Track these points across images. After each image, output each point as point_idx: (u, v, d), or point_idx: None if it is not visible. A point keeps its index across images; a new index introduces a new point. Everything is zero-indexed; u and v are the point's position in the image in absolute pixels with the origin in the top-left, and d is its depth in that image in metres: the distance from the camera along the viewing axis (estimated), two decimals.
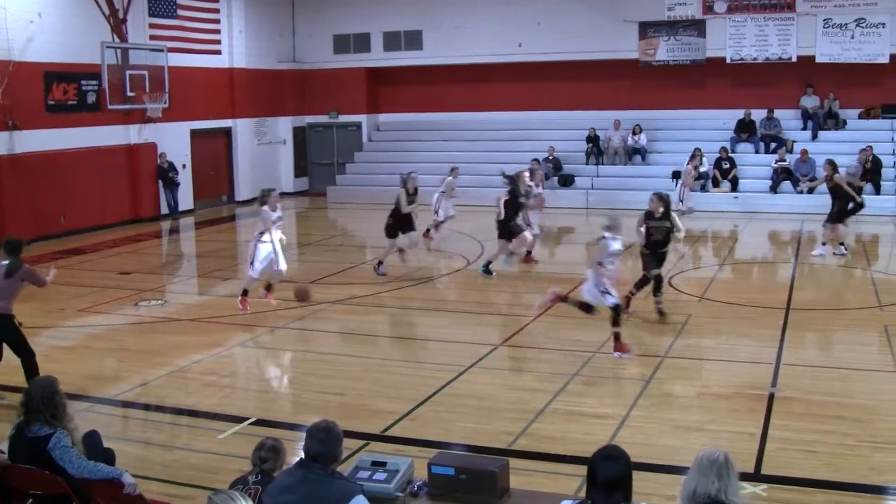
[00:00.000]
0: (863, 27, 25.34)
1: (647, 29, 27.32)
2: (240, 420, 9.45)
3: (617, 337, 11.62)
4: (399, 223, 16.99)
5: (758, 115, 27.00)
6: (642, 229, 13.37)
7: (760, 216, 24.24)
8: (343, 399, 10.22)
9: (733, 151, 26.49)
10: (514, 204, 16.67)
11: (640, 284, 13.61)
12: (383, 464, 5.92)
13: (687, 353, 11.94)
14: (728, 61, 26.59)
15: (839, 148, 23.86)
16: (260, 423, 9.37)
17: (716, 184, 25.86)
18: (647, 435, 8.89)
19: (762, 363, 11.21)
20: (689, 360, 11.72)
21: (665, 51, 27.31)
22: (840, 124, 26.72)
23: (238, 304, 14.35)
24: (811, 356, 11.95)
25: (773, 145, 26.34)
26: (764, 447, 8.49)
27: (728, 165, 25.87)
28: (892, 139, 25.86)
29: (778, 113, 26.94)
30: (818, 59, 25.82)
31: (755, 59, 26.37)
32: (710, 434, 8.80)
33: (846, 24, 25.53)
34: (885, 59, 25.25)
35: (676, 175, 24.87)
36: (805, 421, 9.22)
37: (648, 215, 13.34)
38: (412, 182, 17.07)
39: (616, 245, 11.74)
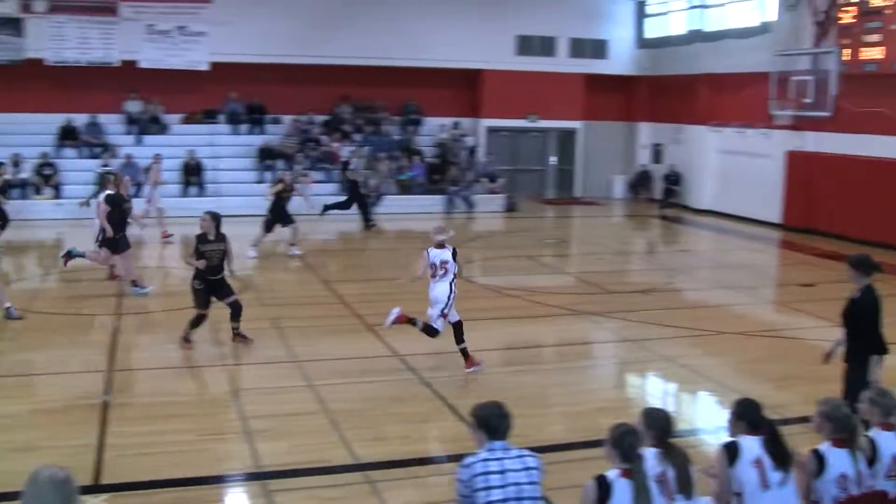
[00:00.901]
0: (185, 34, 26.16)
1: None
2: None
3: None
4: None
5: (82, 119, 26.45)
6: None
7: (85, 223, 23.70)
8: None
9: (56, 157, 25.57)
10: None
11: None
12: None
13: (16, 369, 11.22)
14: (49, 63, 25.58)
15: (164, 152, 24.23)
16: None
17: (38, 191, 24.66)
18: None
19: (95, 371, 10.95)
20: (18, 377, 11.01)
21: None
22: (164, 129, 27.29)
23: None
24: (144, 358, 11.98)
25: (97, 150, 25.94)
26: (102, 456, 8.28)
27: (50, 171, 24.86)
28: (212, 143, 27.06)
29: (102, 117, 26.70)
30: (142, 64, 26.03)
31: (77, 61, 25.75)
32: (46, 452, 8.30)
33: (168, 31, 26.14)
34: (205, 67, 26.33)
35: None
36: (143, 424, 9.22)
37: (201, 238, 11.97)
38: None
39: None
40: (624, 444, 5.44)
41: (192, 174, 25.55)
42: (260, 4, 26.63)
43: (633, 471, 5.36)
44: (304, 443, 8.83)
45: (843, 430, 5.97)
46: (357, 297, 15.58)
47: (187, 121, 27.88)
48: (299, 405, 9.95)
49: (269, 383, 10.76)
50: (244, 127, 28.03)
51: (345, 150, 26.94)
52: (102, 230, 15.10)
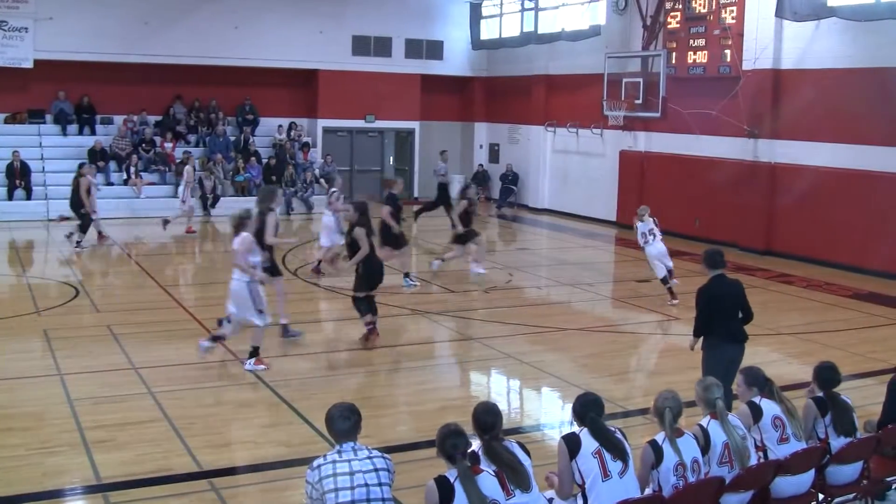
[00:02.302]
0: (6, 30, 24.97)
1: None
2: None
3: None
4: None
5: None
6: None
7: None
8: None
9: None
10: None
11: None
12: None
13: None
14: None
15: None
16: None
17: None
18: None
19: None
20: None
21: None
22: None
23: None
24: None
25: None
26: None
27: None
28: (40, 144, 26.00)
29: None
30: None
31: None
32: None
33: None
34: (29, 64, 25.23)
35: None
36: None
37: None
38: None
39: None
40: (446, 446, 5.51)
41: (18, 176, 24.43)
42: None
43: (459, 472, 5.42)
44: (146, 452, 8.57)
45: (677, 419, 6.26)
46: (196, 300, 15.25)
47: (11, 121, 26.61)
48: (140, 413, 9.66)
49: (108, 392, 10.39)
50: (73, 127, 26.98)
51: (178, 151, 26.38)
52: None
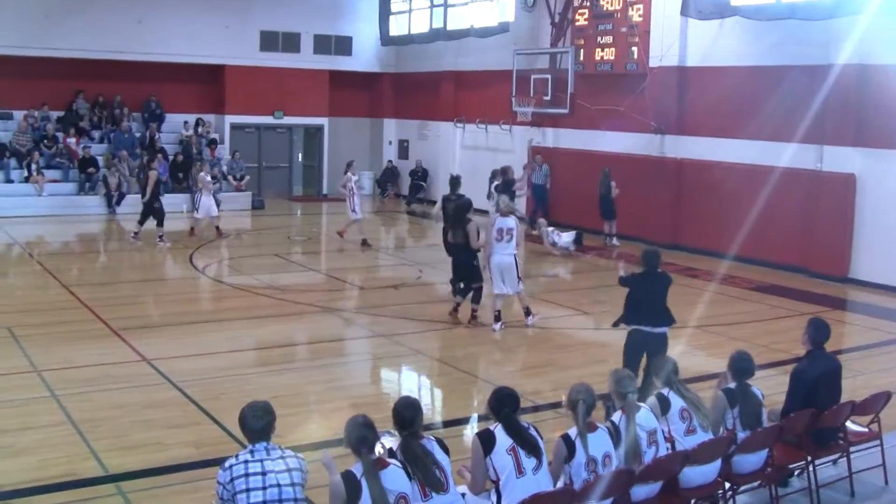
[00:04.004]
0: None
1: None
2: None
3: None
4: None
5: None
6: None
7: None
8: None
9: None
10: None
11: None
12: None
13: None
14: None
15: None
16: None
17: None
18: None
19: None
20: None
21: None
22: None
23: None
24: None
25: None
26: None
27: None
28: None
29: None
30: None
31: None
32: None
33: None
34: None
35: None
36: None
37: None
38: None
39: None
40: (352, 438, 5.50)
41: None
42: None
43: (364, 466, 5.41)
44: (49, 457, 8.34)
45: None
46: (100, 300, 14.90)
47: None
48: (42, 417, 9.40)
49: (8, 395, 10.08)
50: None
51: (80, 147, 25.76)
52: None
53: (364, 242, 21.02)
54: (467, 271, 13.90)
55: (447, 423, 9.81)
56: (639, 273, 9.89)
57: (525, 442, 5.96)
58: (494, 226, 13.44)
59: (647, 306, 9.54)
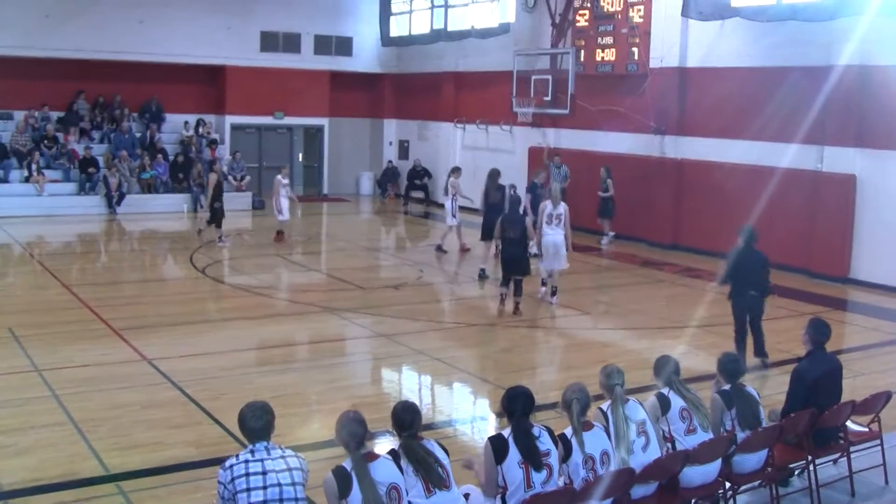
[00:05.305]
0: None
1: None
2: None
3: None
4: None
5: None
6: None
7: None
8: None
9: None
10: None
11: None
12: None
13: None
14: None
15: None
16: None
17: None
18: None
19: None
20: None
21: None
22: None
23: None
24: None
25: None
26: None
27: None
28: None
29: None
30: None
31: None
32: None
33: None
34: None
35: None
36: None
37: None
38: None
39: None
40: (343, 434, 5.51)
41: None
42: None
43: (353, 462, 5.41)
44: (50, 456, 8.34)
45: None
46: (100, 300, 14.91)
47: None
48: (44, 417, 9.40)
49: (9, 395, 10.08)
50: None
51: (81, 146, 25.76)
52: None
53: (462, 248, 20.99)
54: (521, 264, 14.69)
55: (447, 424, 9.81)
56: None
57: (533, 459, 5.87)
58: (545, 212, 15.30)
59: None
